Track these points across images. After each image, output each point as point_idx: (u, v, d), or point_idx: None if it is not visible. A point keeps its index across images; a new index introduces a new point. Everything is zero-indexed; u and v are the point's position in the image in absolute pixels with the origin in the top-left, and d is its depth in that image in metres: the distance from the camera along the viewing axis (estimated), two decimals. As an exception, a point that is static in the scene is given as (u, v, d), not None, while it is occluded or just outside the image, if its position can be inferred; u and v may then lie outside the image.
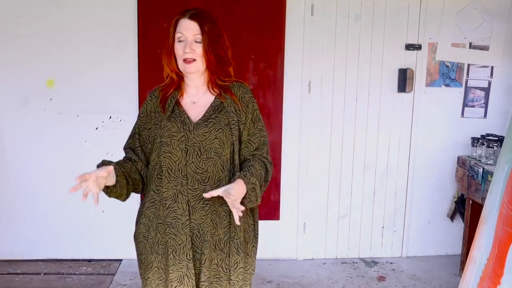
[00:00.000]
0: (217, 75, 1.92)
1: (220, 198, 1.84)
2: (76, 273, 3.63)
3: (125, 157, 1.97)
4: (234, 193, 1.74)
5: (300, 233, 3.95)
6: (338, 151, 3.89)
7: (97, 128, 3.70)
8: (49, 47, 3.58)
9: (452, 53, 3.86)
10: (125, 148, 2.02)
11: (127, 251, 3.81)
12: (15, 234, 3.74)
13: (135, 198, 3.86)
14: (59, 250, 3.78)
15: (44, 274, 3.60)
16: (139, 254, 1.98)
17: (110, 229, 3.77)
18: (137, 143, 1.97)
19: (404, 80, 3.82)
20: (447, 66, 3.88)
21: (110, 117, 3.69)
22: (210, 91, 1.93)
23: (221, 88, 1.92)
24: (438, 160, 3.96)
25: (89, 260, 3.80)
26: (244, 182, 1.79)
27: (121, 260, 3.81)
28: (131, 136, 2.00)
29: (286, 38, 3.70)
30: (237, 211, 1.76)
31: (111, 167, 1.77)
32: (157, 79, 3.62)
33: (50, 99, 3.64)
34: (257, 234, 2.02)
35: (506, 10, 3.84)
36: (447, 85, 3.91)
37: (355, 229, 3.99)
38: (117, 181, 1.82)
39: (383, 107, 3.86)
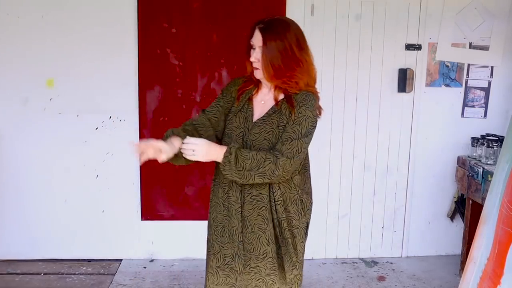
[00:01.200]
0: (284, 85, 1.99)
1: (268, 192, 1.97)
2: (76, 273, 3.63)
3: (193, 125, 2.07)
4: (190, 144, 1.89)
5: (300, 233, 3.94)
6: (338, 151, 3.89)
7: (97, 128, 3.70)
8: (49, 47, 3.58)
9: (452, 53, 3.86)
10: (202, 111, 2.14)
11: (127, 251, 3.82)
12: (15, 234, 3.74)
13: (134, 198, 3.85)
14: (59, 250, 3.78)
15: (44, 274, 3.60)
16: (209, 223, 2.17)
17: (110, 229, 3.77)
18: (215, 111, 2.09)
19: (404, 80, 3.82)
20: (447, 66, 3.88)
21: (110, 117, 3.69)
22: (274, 97, 2.02)
23: (287, 97, 2.00)
24: (438, 160, 3.96)
25: (89, 260, 3.80)
26: (225, 151, 1.90)
27: (121, 260, 3.81)
28: (211, 106, 2.13)
29: (286, 38, 3.69)
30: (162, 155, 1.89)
31: (164, 146, 1.91)
32: (157, 79, 3.66)
33: (50, 99, 3.64)
34: (307, 232, 2.13)
35: (506, 10, 3.84)
36: (447, 85, 3.90)
37: (355, 229, 3.99)
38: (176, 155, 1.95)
39: (383, 107, 3.86)
